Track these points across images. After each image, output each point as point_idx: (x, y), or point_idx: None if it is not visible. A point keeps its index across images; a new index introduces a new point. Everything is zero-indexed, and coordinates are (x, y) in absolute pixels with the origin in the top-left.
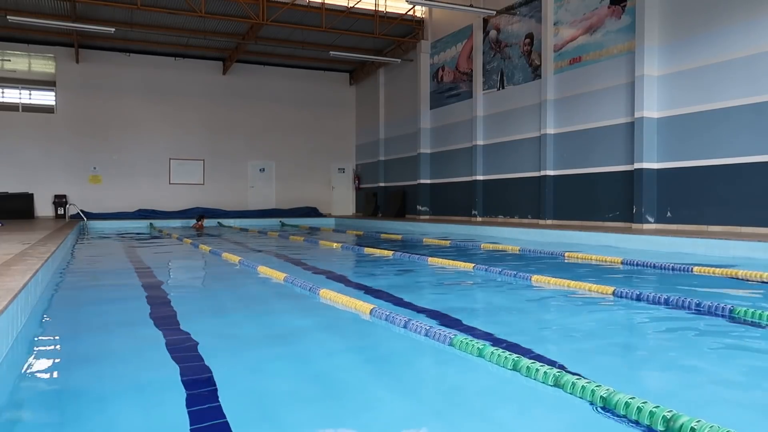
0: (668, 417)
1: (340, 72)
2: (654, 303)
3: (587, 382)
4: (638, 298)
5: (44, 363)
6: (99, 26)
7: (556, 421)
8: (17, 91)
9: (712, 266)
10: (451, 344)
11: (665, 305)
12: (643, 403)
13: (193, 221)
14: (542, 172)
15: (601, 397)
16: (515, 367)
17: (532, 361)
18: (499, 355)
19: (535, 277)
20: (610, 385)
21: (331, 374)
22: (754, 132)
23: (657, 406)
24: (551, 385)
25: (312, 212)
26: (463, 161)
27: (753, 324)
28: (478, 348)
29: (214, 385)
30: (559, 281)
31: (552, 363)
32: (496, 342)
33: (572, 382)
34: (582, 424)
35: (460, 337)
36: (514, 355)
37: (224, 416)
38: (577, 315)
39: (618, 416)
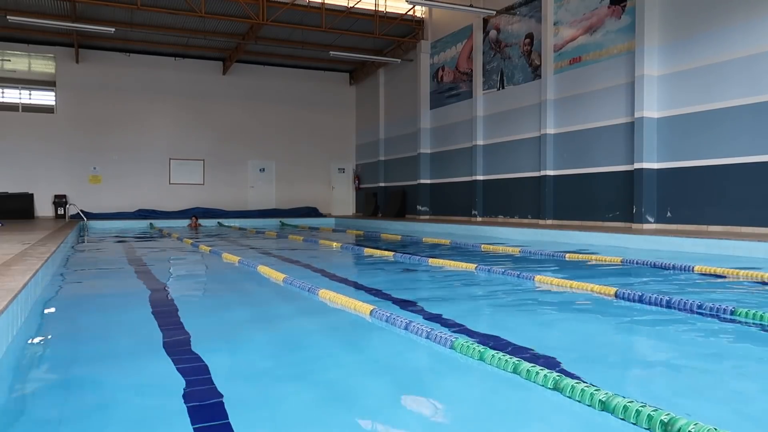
0: (666, 420)
1: (340, 72)
2: (656, 304)
3: (586, 386)
4: (640, 300)
5: (44, 363)
6: (99, 26)
7: (556, 425)
8: (17, 91)
9: (712, 266)
10: (452, 347)
11: (667, 306)
12: (641, 406)
13: (187, 221)
14: (542, 172)
15: (599, 400)
16: (515, 370)
17: (532, 364)
18: (499, 358)
19: (538, 278)
20: (612, 388)
21: (331, 375)
22: (754, 132)
23: (655, 410)
24: (551, 389)
25: (312, 212)
26: (463, 161)
27: (754, 325)
28: (479, 351)
29: (213, 383)
30: (562, 281)
31: (554, 365)
32: (498, 344)
33: (571, 386)
34: (581, 428)
35: (461, 340)
36: (515, 359)
37: (226, 416)
38: (579, 316)
39: (617, 419)
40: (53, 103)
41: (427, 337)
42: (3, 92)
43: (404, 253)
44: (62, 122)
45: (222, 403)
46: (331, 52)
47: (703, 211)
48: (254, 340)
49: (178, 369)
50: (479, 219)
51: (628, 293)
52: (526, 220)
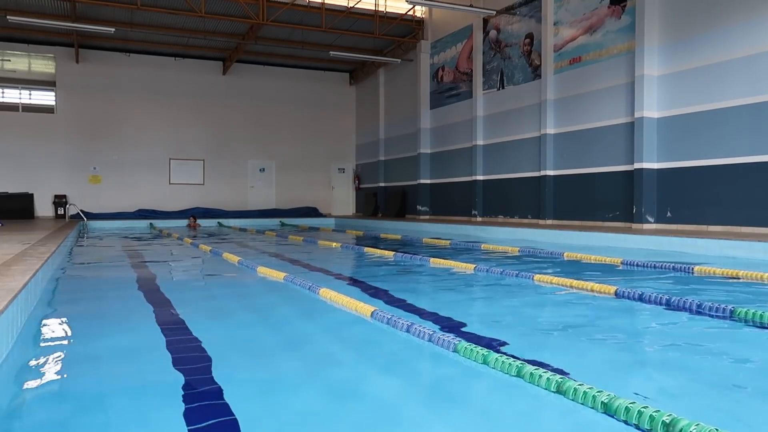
0: (667, 421)
1: (340, 72)
2: (655, 303)
3: (589, 388)
4: (640, 299)
5: (44, 363)
6: (99, 26)
7: (560, 427)
8: (17, 91)
9: (712, 266)
10: (455, 350)
11: (667, 306)
12: (643, 407)
13: (186, 221)
14: (542, 172)
15: (602, 402)
16: (519, 374)
17: (535, 367)
18: (503, 361)
19: (537, 277)
20: (613, 388)
21: (331, 377)
22: (753, 132)
23: (657, 411)
24: (554, 392)
25: (312, 212)
26: (463, 161)
27: (754, 325)
28: (483, 354)
29: (216, 383)
30: (562, 281)
31: (555, 366)
32: (498, 344)
33: (574, 389)
34: (585, 430)
35: (464, 343)
36: (518, 362)
37: (232, 413)
38: (579, 315)
39: (619, 421)
40: (53, 103)
41: (429, 340)
42: (3, 92)
43: (404, 252)
44: (62, 122)
45: (227, 404)
46: (331, 52)
47: (703, 211)
48: (258, 345)
49: (179, 366)
50: (479, 219)
51: (628, 292)
52: (526, 220)
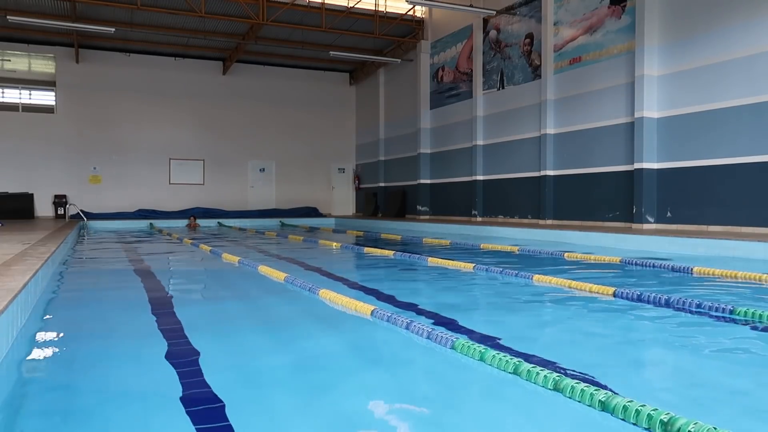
0: (665, 420)
1: (340, 72)
2: (655, 304)
3: (586, 386)
4: (639, 299)
5: (44, 363)
6: (99, 26)
7: (556, 425)
8: (17, 91)
9: (712, 267)
10: (452, 347)
11: (666, 306)
12: (641, 406)
13: (186, 221)
14: (542, 172)
15: (599, 401)
16: (516, 371)
17: (533, 365)
18: (500, 358)
19: (536, 277)
20: (611, 387)
21: (331, 376)
22: (754, 132)
23: (655, 409)
24: (551, 389)
25: (312, 212)
26: (463, 161)
27: (753, 324)
28: (480, 351)
29: (214, 388)
30: (560, 281)
31: (552, 365)
32: (498, 344)
33: (571, 386)
34: (582, 428)
35: (462, 340)
36: (515, 359)
37: (227, 419)
38: (578, 316)
39: (617, 419)
40: (53, 103)
41: (427, 337)
42: (3, 92)
43: (404, 252)
44: (62, 122)
45: (223, 407)
46: (331, 52)
47: (703, 211)
48: (257, 345)
49: (178, 370)
50: (479, 219)
51: (627, 292)
52: (526, 220)
